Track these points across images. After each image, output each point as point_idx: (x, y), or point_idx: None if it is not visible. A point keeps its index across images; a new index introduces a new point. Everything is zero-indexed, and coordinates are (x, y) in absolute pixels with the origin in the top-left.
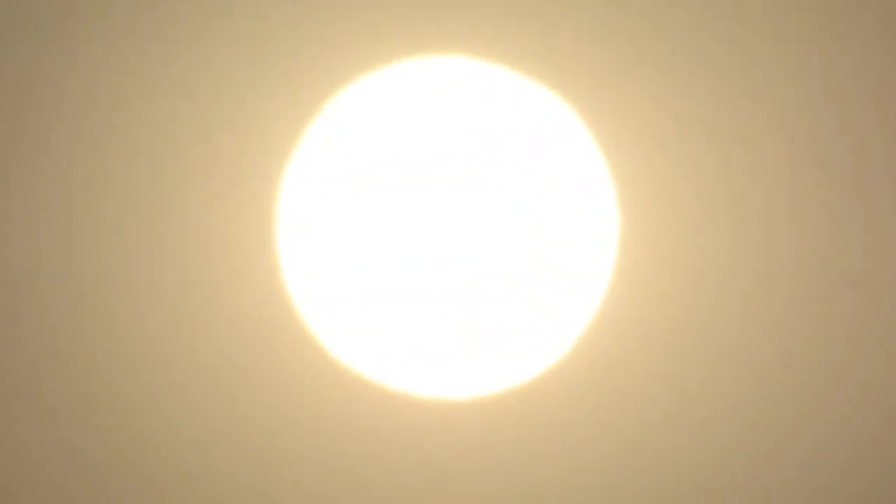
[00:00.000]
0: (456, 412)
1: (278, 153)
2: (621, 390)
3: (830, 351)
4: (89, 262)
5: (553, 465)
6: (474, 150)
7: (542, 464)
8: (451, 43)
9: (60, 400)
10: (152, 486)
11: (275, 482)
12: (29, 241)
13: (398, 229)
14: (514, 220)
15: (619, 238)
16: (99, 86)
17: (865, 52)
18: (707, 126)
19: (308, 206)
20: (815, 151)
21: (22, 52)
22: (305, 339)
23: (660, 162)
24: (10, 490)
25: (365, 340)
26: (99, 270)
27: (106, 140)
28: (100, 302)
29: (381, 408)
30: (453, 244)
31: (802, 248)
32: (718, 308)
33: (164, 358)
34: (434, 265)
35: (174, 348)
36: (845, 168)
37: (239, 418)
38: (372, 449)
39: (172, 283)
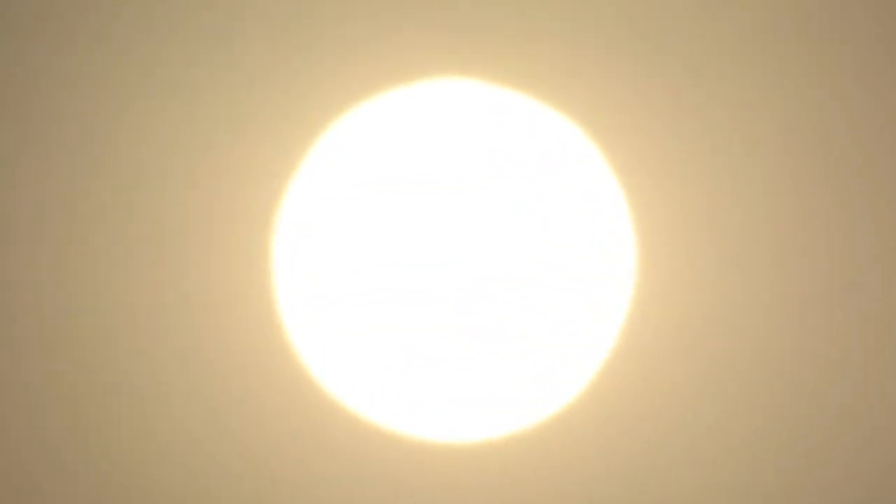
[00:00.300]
0: (460, 456)
1: (279, 177)
2: (634, 436)
3: (853, 382)
4: (82, 274)
5: None
6: (482, 178)
7: None
8: (460, 66)
9: (46, 421)
10: None
11: None
12: (20, 255)
13: (402, 259)
14: (525, 252)
15: (635, 271)
16: (97, 106)
17: (872, 70)
18: (722, 145)
19: (306, 236)
20: (829, 166)
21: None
22: (303, 379)
23: (675, 185)
24: None
25: (364, 379)
26: (91, 287)
27: (103, 160)
28: (92, 319)
29: (381, 451)
30: (460, 278)
31: (820, 263)
32: (736, 343)
33: (154, 387)
34: (440, 300)
35: (165, 377)
36: (861, 183)
37: (230, 455)
38: (370, 494)
39: (167, 311)
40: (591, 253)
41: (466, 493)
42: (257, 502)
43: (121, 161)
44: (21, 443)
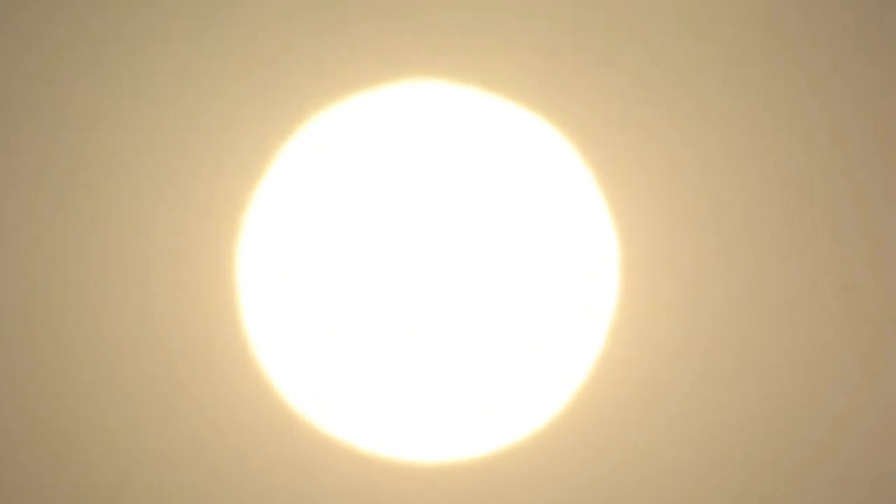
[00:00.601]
0: (437, 476)
1: (249, 175)
2: (615, 457)
3: (844, 383)
4: (48, 271)
5: None
6: (462, 181)
7: None
8: (441, 68)
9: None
10: None
11: None
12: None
13: (375, 264)
14: (506, 257)
15: (619, 276)
16: (71, 102)
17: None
18: (703, 147)
19: (274, 237)
20: (812, 169)
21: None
22: (273, 400)
23: (656, 187)
24: None
25: (334, 391)
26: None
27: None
28: (58, 316)
29: (355, 471)
30: (438, 283)
31: (804, 264)
32: (721, 354)
33: (118, 384)
34: (416, 307)
35: (128, 373)
36: (860, 205)
37: (188, 459)
38: None
39: (131, 308)
40: (574, 257)
41: None
42: None
43: (95, 155)
44: None
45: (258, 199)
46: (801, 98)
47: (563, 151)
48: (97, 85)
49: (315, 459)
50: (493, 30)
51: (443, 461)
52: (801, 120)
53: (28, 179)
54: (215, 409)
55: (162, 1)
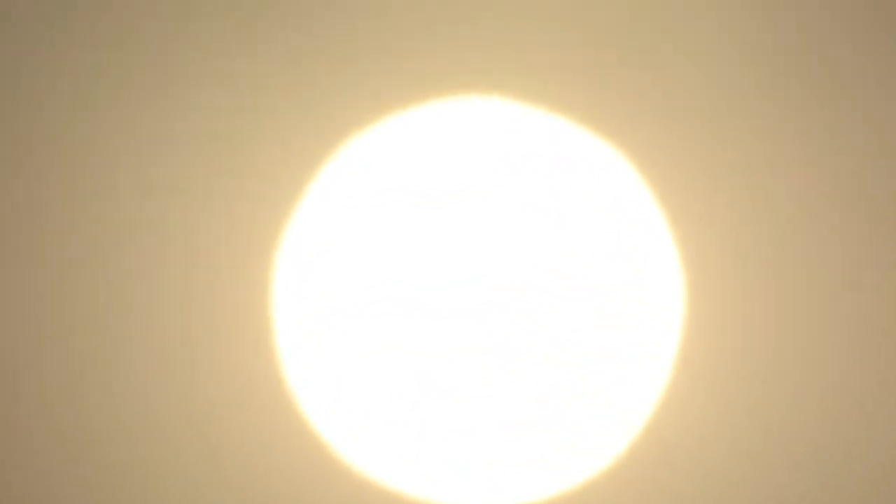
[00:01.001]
0: None
1: (288, 192)
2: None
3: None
4: (86, 282)
5: None
6: (511, 202)
7: None
8: (482, 83)
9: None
10: None
11: None
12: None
13: (420, 289)
14: (562, 289)
15: (683, 320)
16: (110, 113)
17: None
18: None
19: (313, 257)
20: (873, 168)
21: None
22: (310, 440)
23: (720, 209)
24: None
25: (379, 442)
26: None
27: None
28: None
29: None
30: (487, 318)
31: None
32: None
33: (148, 396)
34: (463, 342)
35: (160, 385)
36: None
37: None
38: None
39: (167, 322)
40: (636, 281)
41: None
42: None
43: (131, 169)
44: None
45: (296, 219)
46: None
47: (618, 166)
48: (140, 106)
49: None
50: (533, 41)
51: None
52: (871, 112)
53: (67, 195)
54: (250, 438)
55: (206, 20)
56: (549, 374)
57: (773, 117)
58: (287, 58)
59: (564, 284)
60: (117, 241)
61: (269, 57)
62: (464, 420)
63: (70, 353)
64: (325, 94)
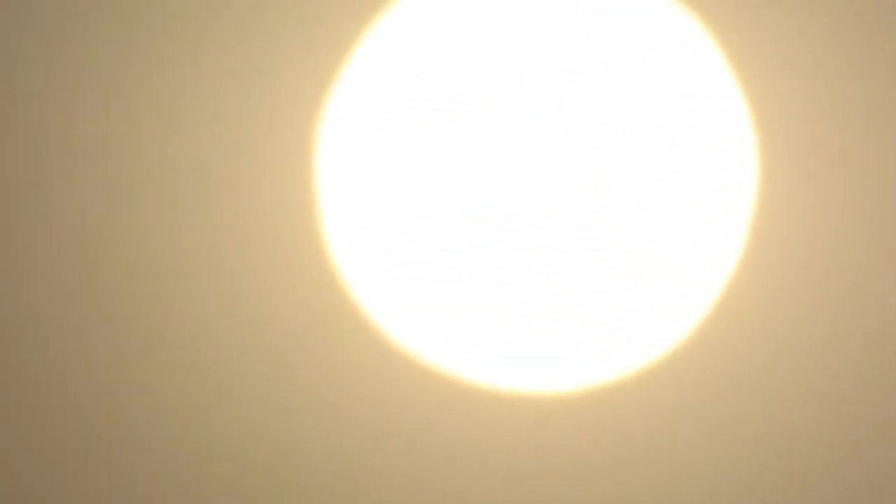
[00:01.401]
0: (545, 408)
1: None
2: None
3: None
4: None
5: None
6: (580, 77)
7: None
8: None
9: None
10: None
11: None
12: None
13: (474, 173)
14: (625, 173)
15: (755, 201)
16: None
17: None
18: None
19: (353, 143)
20: None
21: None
22: (363, 328)
23: (800, 99)
24: None
25: (433, 326)
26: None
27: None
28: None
29: (458, 402)
30: (545, 205)
31: None
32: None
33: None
34: (521, 219)
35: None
36: None
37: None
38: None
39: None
40: (707, 166)
41: (553, 450)
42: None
43: (174, 52)
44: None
45: (338, 91)
46: None
47: (697, 39)
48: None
49: (419, 390)
50: None
51: (552, 392)
52: None
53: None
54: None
55: None
56: (618, 251)
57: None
58: None
59: (635, 159)
60: (161, 122)
61: None
62: (521, 294)
63: (119, 237)
64: None
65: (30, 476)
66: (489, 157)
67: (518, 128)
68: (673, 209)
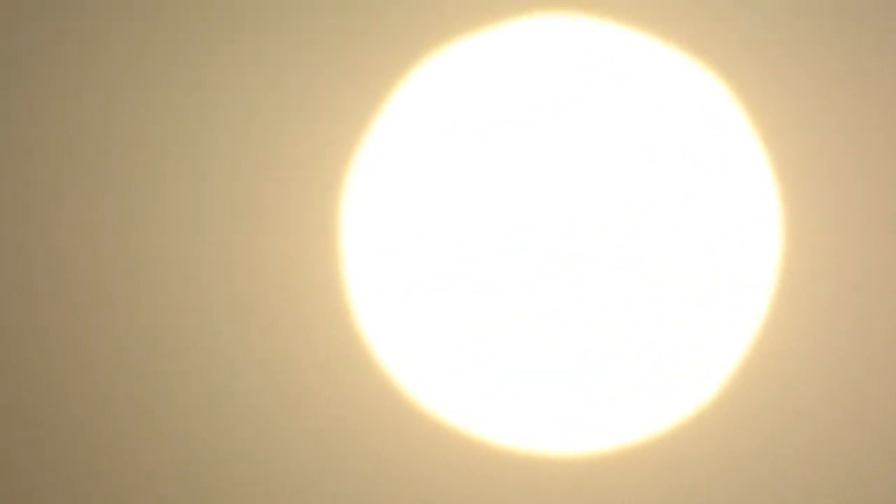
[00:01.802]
0: (570, 470)
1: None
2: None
3: None
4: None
5: None
6: (602, 147)
7: None
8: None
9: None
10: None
11: None
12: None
13: (506, 248)
14: (653, 240)
15: (780, 256)
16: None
17: None
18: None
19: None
20: None
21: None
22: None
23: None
24: None
25: (457, 387)
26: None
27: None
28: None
29: (480, 463)
30: (573, 269)
31: None
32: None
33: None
34: (542, 285)
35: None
36: None
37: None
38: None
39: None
40: (732, 231)
41: None
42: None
43: (206, 99)
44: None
45: (370, 141)
46: None
47: (714, 92)
48: (211, 41)
49: (437, 450)
50: None
51: (578, 454)
52: None
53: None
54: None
55: None
56: (639, 313)
57: (874, 48)
58: None
59: (657, 219)
60: (189, 163)
61: None
62: (540, 357)
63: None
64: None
65: (30, 475)
66: (507, 221)
67: (533, 196)
68: (695, 275)
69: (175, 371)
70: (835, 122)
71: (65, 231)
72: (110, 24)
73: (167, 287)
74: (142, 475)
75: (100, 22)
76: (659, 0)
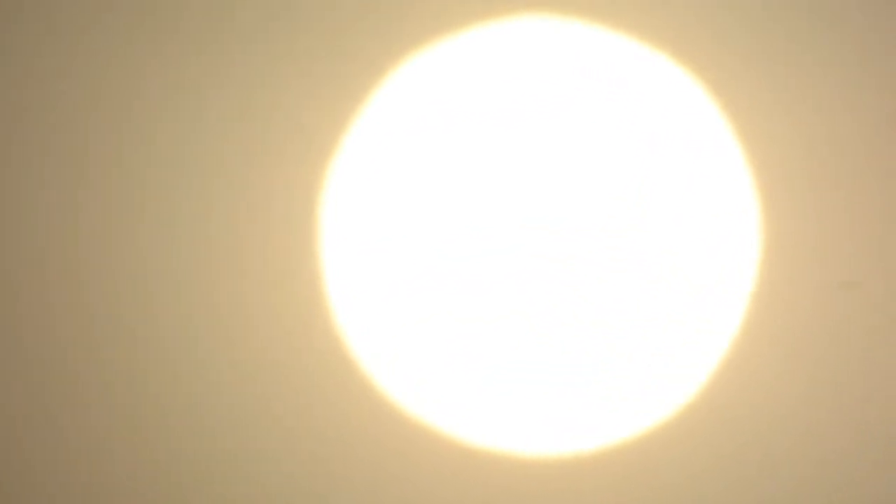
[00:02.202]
0: (548, 471)
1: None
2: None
3: None
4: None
5: None
6: (582, 149)
7: None
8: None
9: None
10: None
11: None
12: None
13: (484, 235)
14: (632, 240)
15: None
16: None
17: None
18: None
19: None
20: None
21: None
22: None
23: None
24: None
25: (433, 387)
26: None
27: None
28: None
29: (457, 464)
30: (553, 269)
31: None
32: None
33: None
34: (528, 294)
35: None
36: None
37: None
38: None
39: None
40: (711, 232)
41: None
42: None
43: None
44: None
45: (343, 150)
46: None
47: (691, 91)
48: (191, 41)
49: (423, 454)
50: None
51: (556, 455)
52: None
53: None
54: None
55: None
56: (619, 315)
57: (855, 50)
58: None
59: (639, 230)
60: (166, 163)
61: None
62: (524, 360)
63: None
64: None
65: (30, 477)
66: (491, 221)
67: (516, 207)
68: (673, 280)
69: (152, 372)
70: (816, 122)
71: (42, 230)
72: (94, 25)
73: (144, 287)
74: (122, 476)
75: (83, 22)
76: (641, 3)
